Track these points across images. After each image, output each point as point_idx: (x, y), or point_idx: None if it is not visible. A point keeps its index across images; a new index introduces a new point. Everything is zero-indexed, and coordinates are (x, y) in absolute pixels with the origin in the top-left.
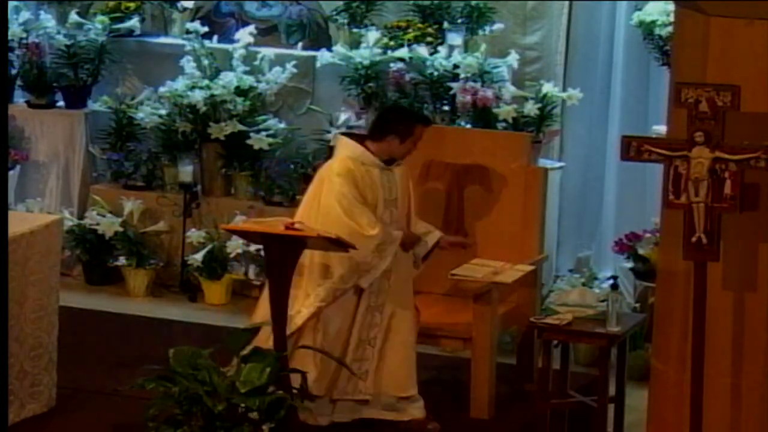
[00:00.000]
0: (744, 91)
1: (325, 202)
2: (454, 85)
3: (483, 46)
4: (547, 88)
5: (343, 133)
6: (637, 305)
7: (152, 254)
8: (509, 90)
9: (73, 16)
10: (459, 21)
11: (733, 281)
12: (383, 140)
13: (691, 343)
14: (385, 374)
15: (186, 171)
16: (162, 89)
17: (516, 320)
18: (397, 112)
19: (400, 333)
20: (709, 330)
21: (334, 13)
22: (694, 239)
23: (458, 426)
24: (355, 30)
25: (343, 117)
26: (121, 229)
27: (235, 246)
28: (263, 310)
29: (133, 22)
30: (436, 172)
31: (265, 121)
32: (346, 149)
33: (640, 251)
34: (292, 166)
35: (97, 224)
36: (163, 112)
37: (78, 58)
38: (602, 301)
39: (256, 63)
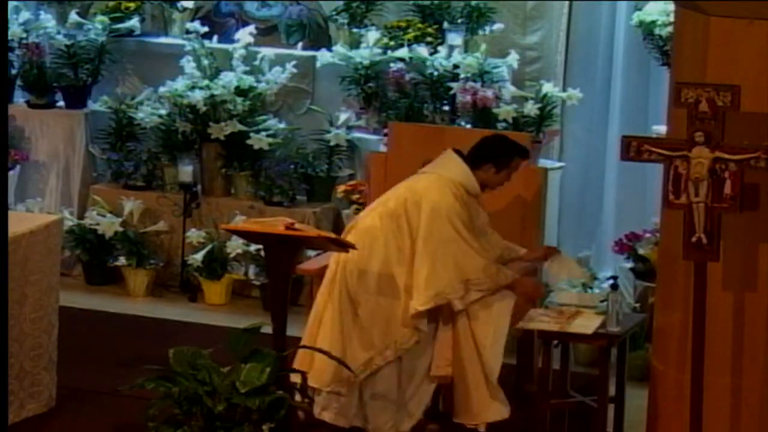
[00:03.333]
0: (744, 91)
1: (437, 227)
2: (454, 85)
3: (483, 46)
4: (547, 88)
5: (456, 151)
6: (637, 305)
7: (152, 254)
8: (509, 90)
9: (73, 16)
10: (459, 21)
11: (733, 281)
12: (480, 168)
13: (691, 343)
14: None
15: (186, 171)
16: (162, 89)
17: (516, 320)
18: (497, 142)
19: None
20: (709, 330)
21: (334, 13)
22: (694, 239)
23: (458, 426)
24: (355, 30)
25: (343, 117)
26: (121, 229)
27: (235, 246)
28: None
29: (133, 22)
30: None
31: (265, 121)
32: (458, 173)
33: (640, 251)
34: (292, 166)
35: (97, 224)
36: (163, 112)
37: (78, 58)
38: (602, 301)
39: (256, 63)
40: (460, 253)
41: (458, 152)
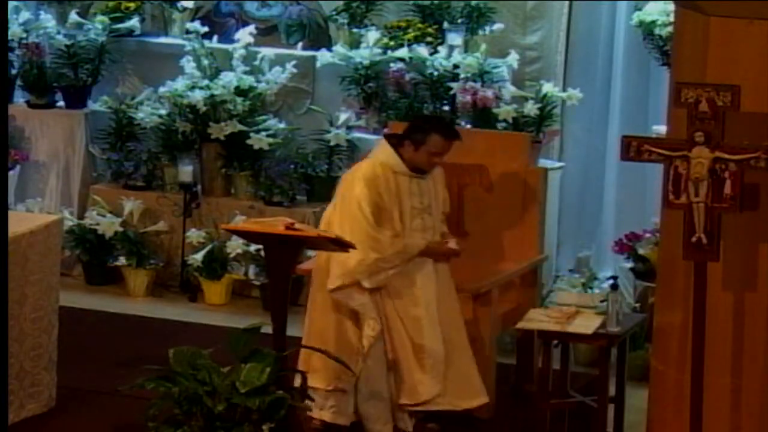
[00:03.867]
0: (744, 91)
1: (347, 207)
2: (454, 85)
3: (483, 46)
4: (547, 88)
5: (386, 135)
6: (637, 305)
7: (152, 254)
8: (509, 90)
9: (73, 16)
10: (459, 21)
11: (733, 281)
12: (402, 146)
13: (691, 343)
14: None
15: (186, 171)
16: (162, 89)
17: (516, 320)
18: (422, 120)
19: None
20: (709, 330)
21: (334, 13)
22: (694, 239)
23: (458, 426)
24: (355, 30)
25: (343, 117)
26: (121, 229)
27: (235, 246)
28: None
29: (133, 22)
30: None
31: (265, 121)
32: (381, 154)
33: (640, 251)
34: (292, 166)
35: (97, 224)
36: (163, 112)
37: (78, 58)
38: (602, 301)
39: (256, 63)
40: (362, 233)
41: (392, 135)
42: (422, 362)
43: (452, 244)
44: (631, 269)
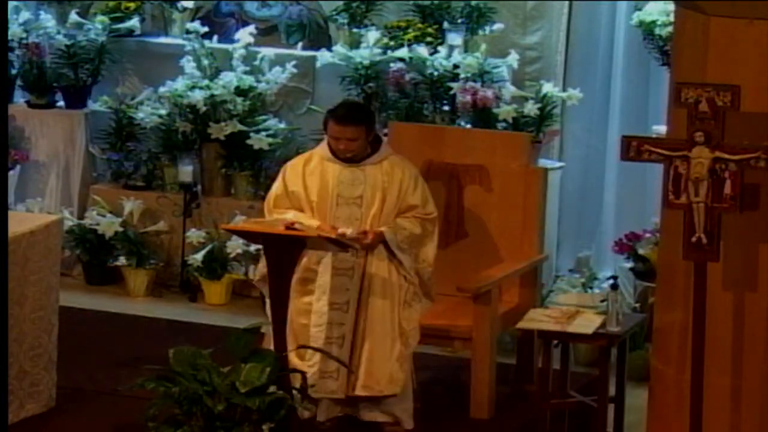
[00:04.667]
0: (744, 91)
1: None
2: (454, 85)
3: (483, 46)
4: (547, 88)
5: None
6: (637, 305)
7: (152, 254)
8: (509, 90)
9: (73, 16)
10: (459, 21)
11: (733, 281)
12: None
13: (691, 343)
14: (361, 373)
15: (186, 171)
16: (162, 89)
17: (516, 320)
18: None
19: (376, 331)
20: (709, 330)
21: (334, 13)
22: (694, 239)
23: (458, 426)
24: (355, 30)
25: None
26: (121, 229)
27: (235, 246)
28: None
29: (133, 22)
30: (436, 172)
31: (265, 121)
32: (321, 144)
33: (640, 251)
34: None
35: (97, 224)
36: (163, 112)
37: (78, 58)
38: (602, 301)
39: (256, 63)
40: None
41: None
42: (300, 353)
43: (343, 229)
44: (631, 269)
